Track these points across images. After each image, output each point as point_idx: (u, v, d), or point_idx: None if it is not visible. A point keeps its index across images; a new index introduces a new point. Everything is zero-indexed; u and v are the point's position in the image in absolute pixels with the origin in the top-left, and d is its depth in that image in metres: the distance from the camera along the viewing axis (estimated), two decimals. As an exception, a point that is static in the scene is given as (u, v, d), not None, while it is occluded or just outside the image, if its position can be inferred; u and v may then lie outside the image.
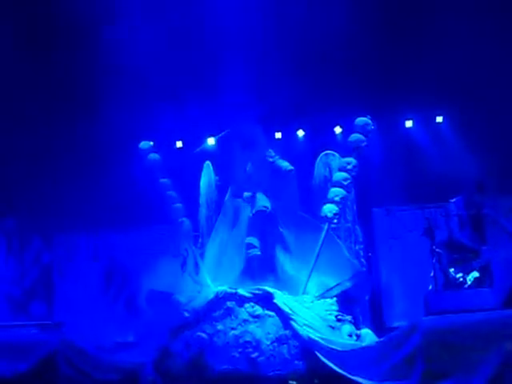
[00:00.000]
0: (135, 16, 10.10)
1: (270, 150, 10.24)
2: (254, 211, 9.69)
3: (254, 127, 10.27)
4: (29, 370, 8.05)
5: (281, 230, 9.79)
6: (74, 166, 10.23)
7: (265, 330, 8.73)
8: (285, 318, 8.72)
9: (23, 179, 10.15)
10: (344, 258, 9.35)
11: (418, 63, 10.26)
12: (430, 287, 8.31)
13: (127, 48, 9.88)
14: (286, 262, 9.59)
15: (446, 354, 7.01)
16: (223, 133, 10.55)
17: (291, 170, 9.97)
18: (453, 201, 8.65)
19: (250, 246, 9.65)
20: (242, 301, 8.97)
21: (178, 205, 10.46)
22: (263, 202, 9.77)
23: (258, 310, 8.89)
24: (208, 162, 10.51)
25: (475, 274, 8.21)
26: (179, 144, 11.22)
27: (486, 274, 8.18)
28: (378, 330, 9.21)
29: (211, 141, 10.89)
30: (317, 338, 8.35)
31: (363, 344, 8.36)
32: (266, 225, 9.76)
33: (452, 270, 8.27)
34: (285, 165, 9.98)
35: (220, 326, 8.86)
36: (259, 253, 9.60)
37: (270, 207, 9.74)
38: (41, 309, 9.83)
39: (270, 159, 10.01)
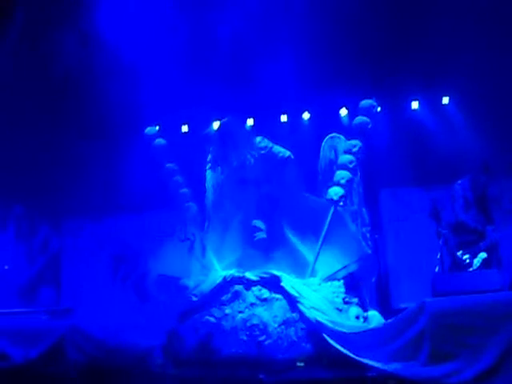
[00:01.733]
0: (140, 10, 10.05)
1: (259, 139, 10.16)
2: (265, 192, 9.73)
3: (236, 123, 10.25)
4: (39, 355, 8.12)
5: (286, 213, 9.79)
6: (81, 152, 10.24)
7: (272, 313, 8.77)
8: (292, 301, 8.75)
9: (31, 166, 10.17)
10: (350, 240, 9.34)
11: (423, 45, 10.18)
12: (437, 269, 8.30)
13: (132, 36, 9.85)
14: (293, 245, 9.60)
15: (453, 335, 7.04)
16: (224, 120, 10.52)
17: (288, 157, 9.94)
18: (459, 182, 8.62)
19: (256, 228, 9.67)
20: (249, 284, 9.01)
21: (185, 189, 10.48)
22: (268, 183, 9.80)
23: (266, 293, 8.92)
24: (213, 147, 10.50)
25: (483, 255, 8.19)
26: (185, 128, 11.19)
27: (494, 255, 8.16)
28: (384, 311, 9.21)
29: (216, 125, 10.88)
30: (324, 321, 8.38)
31: (370, 326, 8.39)
32: (273, 208, 9.77)
33: (460, 252, 8.25)
34: (280, 152, 9.94)
35: (228, 310, 8.91)
36: (265, 236, 9.62)
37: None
38: (49, 295, 9.90)
39: (262, 151, 9.96)
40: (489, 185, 8.47)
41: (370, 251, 9.48)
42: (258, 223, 9.66)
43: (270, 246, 9.60)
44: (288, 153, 9.93)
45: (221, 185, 10.11)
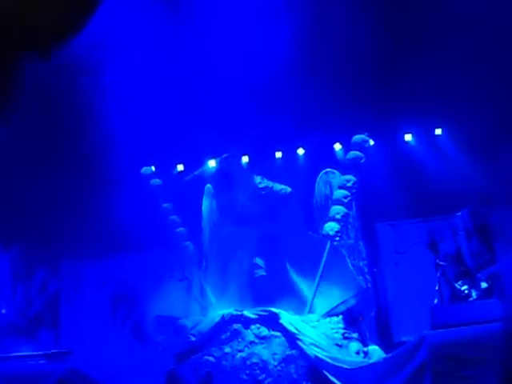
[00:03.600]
0: (137, 49, 10.15)
1: (258, 178, 10.23)
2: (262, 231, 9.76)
3: (234, 161, 10.33)
4: (38, 400, 8.02)
5: (287, 250, 9.80)
6: (77, 193, 10.25)
7: (271, 351, 8.72)
8: (291, 338, 8.72)
9: (29, 208, 10.18)
10: (348, 275, 9.33)
11: (415, 77, 10.26)
12: (436, 301, 8.26)
13: (129, 78, 9.94)
14: (291, 282, 9.58)
15: (454, 367, 6.99)
16: (222, 157, 10.58)
17: (290, 193, 9.99)
18: (458, 214, 8.61)
19: (255, 266, 9.67)
20: (247, 322, 8.98)
21: (181, 229, 10.50)
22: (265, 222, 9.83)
23: (264, 331, 8.89)
24: (209, 185, 10.55)
25: (484, 284, 8.15)
26: (180, 167, 11.26)
27: (495, 285, 8.12)
28: (386, 345, 9.15)
29: (212, 163, 10.93)
30: (324, 357, 8.34)
31: (371, 361, 8.33)
32: (274, 245, 9.78)
33: (459, 282, 8.21)
34: (282, 189, 10.01)
35: (227, 349, 8.86)
36: (265, 273, 9.61)
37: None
38: (48, 336, 9.82)
39: (263, 192, 10.03)
40: (489, 215, 8.46)
41: (367, 285, 9.45)
42: (258, 261, 9.66)
43: (270, 283, 9.58)
44: (289, 189, 10.00)
45: (218, 224, 10.13)
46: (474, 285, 8.23)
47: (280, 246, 9.84)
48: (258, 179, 10.11)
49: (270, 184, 10.09)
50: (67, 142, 10.38)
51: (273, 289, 9.57)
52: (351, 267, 9.46)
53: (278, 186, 10.03)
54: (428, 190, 10.46)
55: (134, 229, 10.14)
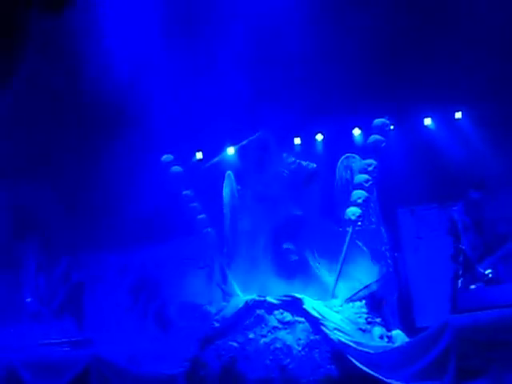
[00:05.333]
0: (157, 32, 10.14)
1: (285, 155, 10.26)
2: (284, 216, 9.75)
3: (266, 136, 10.32)
4: (63, 387, 8.10)
5: (308, 234, 9.80)
6: (99, 183, 10.30)
7: (295, 336, 8.73)
8: (315, 323, 8.71)
9: (50, 199, 10.24)
10: (370, 260, 9.32)
11: (434, 60, 10.19)
12: (459, 284, 8.23)
13: (147, 64, 9.95)
14: (314, 267, 9.59)
15: (479, 351, 6.97)
16: (243, 142, 10.58)
17: (316, 168, 10.01)
18: (454, 208, 8.60)
19: (288, 251, 9.67)
20: (271, 308, 8.99)
21: (202, 216, 10.52)
22: (288, 206, 9.83)
23: (288, 316, 8.89)
24: (229, 172, 10.56)
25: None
26: (199, 155, 11.27)
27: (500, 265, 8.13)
28: (408, 330, 9.13)
29: (231, 150, 10.93)
30: (348, 342, 8.33)
31: (395, 345, 8.32)
32: (298, 230, 9.78)
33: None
34: (309, 164, 10.03)
35: (251, 335, 8.87)
36: (297, 257, 9.63)
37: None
38: (72, 325, 9.90)
39: (292, 166, 10.03)
40: (483, 206, 8.43)
41: (389, 270, 9.44)
42: (289, 245, 9.66)
43: (301, 267, 9.59)
44: (314, 164, 10.00)
45: (240, 210, 10.14)
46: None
47: (303, 230, 9.84)
48: (284, 154, 10.12)
49: (297, 160, 10.09)
50: (87, 133, 10.41)
51: (296, 274, 9.57)
52: (373, 252, 9.43)
53: (303, 162, 10.03)
54: (448, 174, 10.41)
55: (155, 217, 10.20)
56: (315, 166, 10.04)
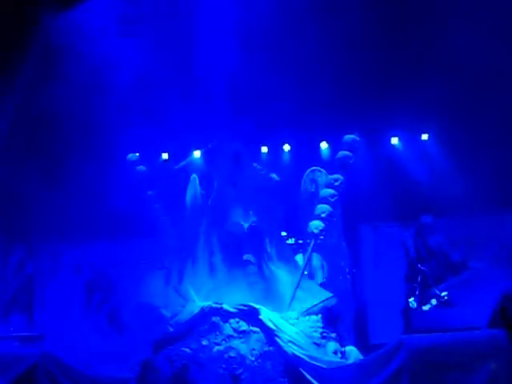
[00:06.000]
0: (120, 32, 10.02)
1: (256, 164, 10.26)
2: (246, 225, 9.70)
3: (237, 142, 10.30)
4: (8, 383, 7.86)
5: (267, 245, 9.77)
6: (60, 177, 10.12)
7: (249, 346, 8.67)
8: (269, 335, 8.67)
9: (8, 187, 10.02)
10: (329, 275, 9.34)
11: (404, 81, 10.30)
12: (415, 305, 8.30)
13: (114, 62, 9.83)
14: (274, 278, 9.56)
15: (431, 373, 6.99)
16: (209, 145, 10.54)
17: (278, 181, 10.03)
18: (407, 233, 8.76)
19: (247, 262, 9.62)
20: (227, 316, 8.92)
21: (164, 217, 10.41)
22: (250, 215, 9.79)
23: (243, 325, 8.83)
24: (194, 176, 10.49)
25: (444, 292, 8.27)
26: (165, 156, 11.17)
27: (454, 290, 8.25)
28: (362, 346, 9.18)
29: (197, 153, 10.88)
30: (301, 355, 8.31)
31: (348, 361, 8.33)
32: (259, 240, 9.75)
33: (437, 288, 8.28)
34: (274, 177, 10.04)
35: (205, 342, 8.78)
36: (256, 269, 9.58)
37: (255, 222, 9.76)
38: (21, 320, 9.66)
39: (262, 172, 10.03)
40: (434, 230, 8.58)
41: (347, 286, 9.47)
42: (249, 257, 9.60)
43: (259, 279, 9.54)
44: (277, 178, 10.02)
45: (204, 212, 10.08)
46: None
47: (263, 240, 9.80)
48: (255, 164, 10.12)
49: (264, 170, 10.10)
50: (53, 123, 10.22)
51: (260, 284, 9.53)
52: (333, 266, 9.46)
53: (271, 174, 10.05)
54: (411, 194, 10.55)
55: (117, 215, 10.08)
56: (278, 179, 10.04)
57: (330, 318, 9.10)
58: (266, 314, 8.77)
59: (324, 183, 9.84)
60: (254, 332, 8.77)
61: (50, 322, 9.65)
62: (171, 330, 8.92)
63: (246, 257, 9.59)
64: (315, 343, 8.68)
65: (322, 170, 10.04)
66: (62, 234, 10.05)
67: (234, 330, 8.81)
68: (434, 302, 8.29)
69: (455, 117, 10.24)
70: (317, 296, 9.22)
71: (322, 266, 9.79)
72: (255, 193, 9.91)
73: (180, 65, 10.43)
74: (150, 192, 10.52)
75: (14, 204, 10.12)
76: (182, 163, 10.61)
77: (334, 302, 9.14)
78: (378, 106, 10.50)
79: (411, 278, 8.57)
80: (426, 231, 8.63)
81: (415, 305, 8.37)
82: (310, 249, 9.47)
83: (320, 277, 9.74)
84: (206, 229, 9.99)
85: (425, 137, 11.31)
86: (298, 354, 8.33)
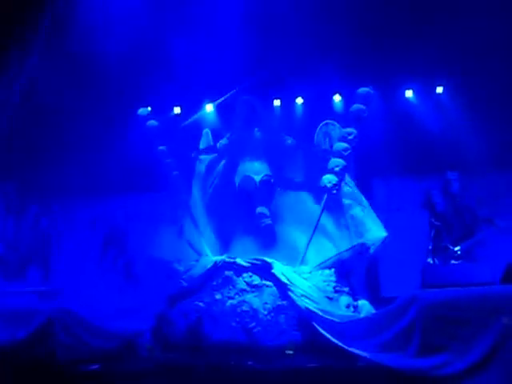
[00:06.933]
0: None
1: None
2: (259, 179, 9.69)
3: (251, 95, 10.23)
4: (27, 337, 8.02)
5: (281, 198, 9.78)
6: (73, 132, 10.09)
7: (262, 300, 8.76)
8: (282, 289, 8.75)
9: (24, 145, 10.03)
10: (343, 228, 9.33)
11: (418, 33, 10.10)
12: (429, 260, 8.30)
13: (125, 18, 9.69)
14: (288, 232, 9.58)
15: (444, 327, 7.04)
16: (222, 98, 10.45)
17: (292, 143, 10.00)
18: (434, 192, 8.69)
19: (262, 215, 9.63)
20: (240, 270, 8.99)
21: (176, 172, 10.39)
22: (265, 170, 9.79)
23: (256, 279, 8.91)
24: (207, 130, 10.44)
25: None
26: (177, 110, 11.08)
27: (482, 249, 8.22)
28: (374, 299, 9.22)
29: (209, 107, 10.78)
30: (314, 309, 8.38)
31: (361, 315, 8.40)
32: (272, 194, 9.76)
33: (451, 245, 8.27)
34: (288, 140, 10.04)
35: (218, 296, 8.88)
36: (271, 222, 9.60)
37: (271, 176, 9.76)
38: (38, 274, 9.78)
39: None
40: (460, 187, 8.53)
41: (361, 240, 9.40)
42: (263, 209, 9.61)
43: (274, 232, 9.58)
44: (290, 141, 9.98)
45: (217, 167, 10.07)
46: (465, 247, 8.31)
47: (277, 194, 9.81)
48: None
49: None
50: (64, 79, 10.14)
51: (274, 238, 9.57)
52: (349, 220, 9.42)
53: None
54: (426, 148, 10.42)
55: (129, 170, 10.07)
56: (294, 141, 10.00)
57: (343, 272, 9.13)
58: (279, 268, 8.83)
59: (337, 137, 9.75)
60: (267, 286, 8.85)
61: (65, 277, 9.76)
62: (185, 284, 9.00)
63: (259, 209, 9.60)
64: (328, 297, 8.74)
65: (335, 123, 9.95)
66: (76, 190, 10.08)
67: (247, 283, 8.89)
68: (447, 259, 8.28)
69: (470, 69, 10.04)
70: (330, 250, 9.24)
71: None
72: (269, 147, 9.86)
73: (191, 16, 10.27)
74: (161, 147, 10.46)
75: (29, 160, 10.15)
76: (192, 118, 10.53)
77: (346, 255, 9.15)
78: (392, 58, 10.31)
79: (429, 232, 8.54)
80: (452, 187, 8.54)
81: (429, 260, 8.36)
82: (323, 203, 9.44)
83: None
84: (219, 182, 9.99)
85: (439, 90, 11.11)
86: (310, 308, 8.40)
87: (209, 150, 10.29)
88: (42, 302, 8.66)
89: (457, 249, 8.27)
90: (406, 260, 9.92)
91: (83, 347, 8.13)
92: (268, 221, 9.59)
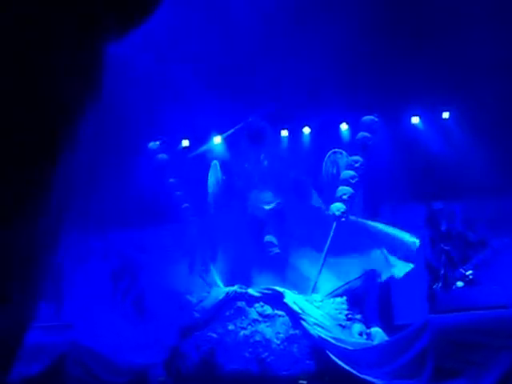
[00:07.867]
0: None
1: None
2: (268, 208, 9.73)
3: (261, 122, 10.31)
4: (39, 372, 8.01)
5: (291, 227, 9.80)
6: (84, 164, 10.16)
7: (275, 330, 8.73)
8: (295, 318, 8.72)
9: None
10: (353, 256, 9.34)
11: (424, 59, 10.17)
12: (439, 285, 8.27)
13: (134, 49, 9.82)
14: (298, 261, 9.58)
15: (457, 352, 7.02)
16: (231, 130, 10.53)
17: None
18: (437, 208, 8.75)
19: (270, 244, 9.65)
20: (251, 300, 8.98)
21: (186, 205, 10.45)
22: (275, 200, 9.83)
23: (268, 309, 8.89)
24: (215, 162, 10.51)
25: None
26: (185, 143, 11.19)
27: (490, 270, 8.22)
28: (386, 327, 9.16)
29: (217, 139, 10.86)
30: (327, 337, 8.35)
31: (374, 343, 8.35)
32: (280, 222, 9.78)
33: (463, 267, 8.24)
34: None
35: (231, 326, 8.86)
36: (279, 251, 9.61)
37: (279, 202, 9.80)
38: (49, 309, 9.77)
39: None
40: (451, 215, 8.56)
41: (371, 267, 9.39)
42: (271, 238, 9.63)
43: (282, 261, 9.58)
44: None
45: (226, 198, 10.11)
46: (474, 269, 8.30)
47: (286, 222, 9.82)
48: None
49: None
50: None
51: (284, 267, 9.56)
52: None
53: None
54: (433, 174, 10.43)
55: (140, 203, 10.11)
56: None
57: (355, 299, 9.10)
58: (291, 297, 8.82)
59: (345, 165, 9.81)
60: (279, 315, 8.82)
61: (77, 311, 9.76)
62: (197, 315, 8.99)
63: (267, 238, 9.62)
64: (340, 325, 8.71)
65: (342, 151, 10.01)
66: (87, 223, 10.12)
67: (259, 314, 8.87)
68: (459, 283, 8.24)
69: (476, 95, 10.09)
70: (341, 278, 9.23)
71: None
72: (279, 174, 9.91)
73: (200, 52, 10.39)
74: (171, 179, 10.55)
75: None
76: (199, 150, 10.62)
77: (358, 283, 9.13)
78: (398, 85, 10.38)
79: (435, 259, 8.54)
80: (439, 216, 8.62)
81: (440, 285, 8.33)
82: (332, 231, 9.46)
83: None
84: (228, 213, 10.03)
85: (446, 115, 11.16)
86: (323, 336, 8.37)
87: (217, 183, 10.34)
88: (54, 337, 8.64)
89: (468, 273, 8.24)
90: (417, 285, 9.89)
91: (94, 381, 8.11)
92: (276, 249, 9.60)
